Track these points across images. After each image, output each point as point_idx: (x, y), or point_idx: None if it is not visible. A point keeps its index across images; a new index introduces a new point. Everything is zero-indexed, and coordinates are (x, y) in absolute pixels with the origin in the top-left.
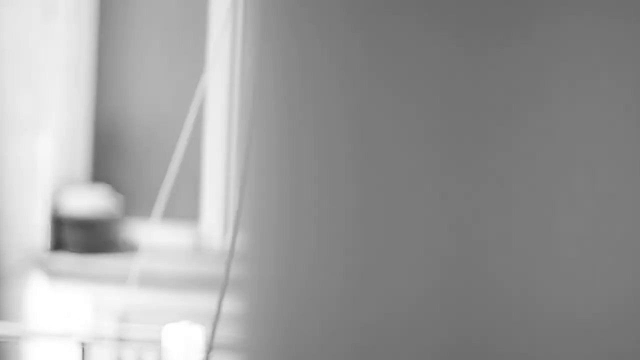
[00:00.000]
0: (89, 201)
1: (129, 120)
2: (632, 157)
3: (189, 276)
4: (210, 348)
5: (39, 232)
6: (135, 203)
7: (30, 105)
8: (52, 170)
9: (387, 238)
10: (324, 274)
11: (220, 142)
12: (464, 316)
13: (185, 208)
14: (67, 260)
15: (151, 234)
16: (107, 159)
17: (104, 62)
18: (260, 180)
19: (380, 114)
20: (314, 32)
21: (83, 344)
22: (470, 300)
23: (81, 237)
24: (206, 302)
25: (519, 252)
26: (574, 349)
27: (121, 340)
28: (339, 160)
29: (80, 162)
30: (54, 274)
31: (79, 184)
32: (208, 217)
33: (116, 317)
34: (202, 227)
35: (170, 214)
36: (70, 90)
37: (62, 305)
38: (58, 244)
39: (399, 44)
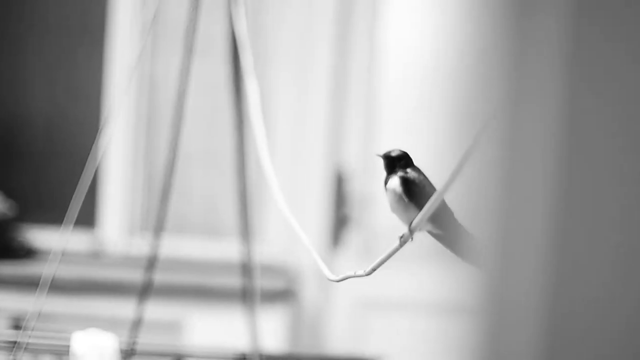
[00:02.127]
0: None
1: (23, 124)
2: None
3: (88, 282)
4: (129, 355)
5: None
6: (29, 208)
7: None
8: None
9: None
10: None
11: (121, 148)
12: None
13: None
14: None
15: (50, 239)
16: (0, 164)
17: None
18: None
19: None
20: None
21: None
22: None
23: None
24: (106, 308)
25: None
26: None
27: (21, 346)
28: None
29: None
30: None
31: None
32: (108, 222)
33: (9, 323)
34: (100, 232)
35: (65, 219)
36: None
37: None
38: None
39: None
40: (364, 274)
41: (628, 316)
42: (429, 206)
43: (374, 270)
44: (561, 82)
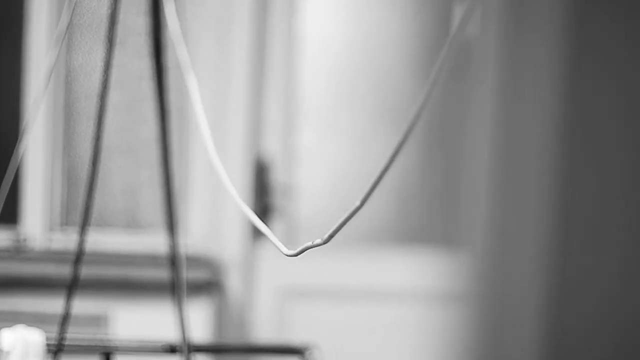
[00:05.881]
0: None
1: None
2: None
3: (10, 278)
4: (56, 350)
5: None
6: None
7: None
8: None
9: None
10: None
11: (40, 142)
12: None
13: None
14: None
15: None
16: None
17: None
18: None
19: None
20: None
21: None
22: None
23: None
24: (30, 304)
25: None
26: None
27: None
28: None
29: None
30: None
31: None
32: (29, 218)
33: None
34: (21, 227)
35: None
36: None
37: None
38: None
39: None
40: (322, 242)
41: (634, 314)
42: (364, 200)
43: (331, 237)
44: (561, 78)
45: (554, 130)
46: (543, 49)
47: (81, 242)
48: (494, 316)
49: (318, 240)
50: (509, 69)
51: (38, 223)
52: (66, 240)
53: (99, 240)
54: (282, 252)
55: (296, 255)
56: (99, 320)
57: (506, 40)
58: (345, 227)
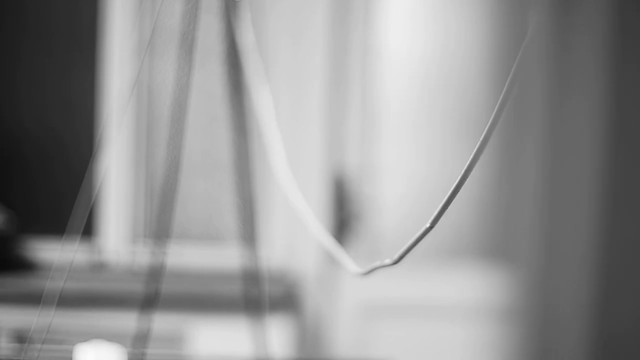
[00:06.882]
0: None
1: (19, 136)
2: None
3: (89, 293)
4: None
5: None
6: (28, 220)
7: None
8: None
9: None
10: None
11: (122, 155)
12: None
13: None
14: None
15: (50, 251)
16: None
17: None
18: None
19: None
20: None
21: None
22: None
23: None
24: (111, 320)
25: None
26: None
27: None
28: None
29: None
30: None
31: None
32: (109, 232)
33: (10, 338)
34: (101, 242)
35: (64, 230)
36: None
37: None
38: None
39: None
40: (391, 262)
41: None
42: (445, 201)
43: (402, 257)
44: (606, 75)
45: (601, 156)
46: (590, 68)
47: (160, 258)
48: (539, 332)
49: (387, 260)
50: (558, 86)
51: (119, 236)
52: (147, 254)
53: (178, 254)
54: (351, 271)
55: (365, 274)
56: (175, 338)
57: (553, 56)
58: (422, 242)
